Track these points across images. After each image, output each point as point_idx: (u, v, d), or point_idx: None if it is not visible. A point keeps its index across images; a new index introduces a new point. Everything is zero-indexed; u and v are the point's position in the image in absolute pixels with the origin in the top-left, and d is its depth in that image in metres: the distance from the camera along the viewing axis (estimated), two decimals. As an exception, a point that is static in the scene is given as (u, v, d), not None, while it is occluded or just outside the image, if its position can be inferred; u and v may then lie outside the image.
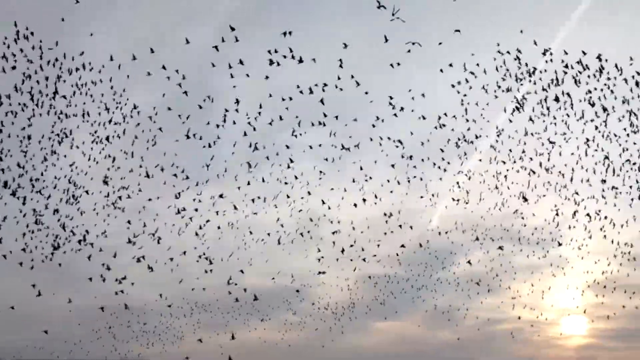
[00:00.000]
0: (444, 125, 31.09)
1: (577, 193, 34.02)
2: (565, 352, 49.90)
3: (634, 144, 31.40)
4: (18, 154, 26.66)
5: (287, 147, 30.93)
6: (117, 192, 30.62)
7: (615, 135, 31.44)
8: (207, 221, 33.20)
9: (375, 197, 34.50)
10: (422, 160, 33.09)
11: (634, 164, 32.17)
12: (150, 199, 31.23)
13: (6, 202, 26.48)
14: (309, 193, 33.82)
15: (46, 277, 29.19)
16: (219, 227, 33.36)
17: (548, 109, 31.20)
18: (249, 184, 31.57)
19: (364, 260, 35.74)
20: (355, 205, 34.63)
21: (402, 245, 35.51)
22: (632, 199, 33.40)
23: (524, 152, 33.19)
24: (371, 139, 31.65)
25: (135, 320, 36.68)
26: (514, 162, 33.14)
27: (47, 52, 24.89)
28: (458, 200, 35.13)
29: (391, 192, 34.41)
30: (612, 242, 34.91)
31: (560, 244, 36.20)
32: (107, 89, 26.98)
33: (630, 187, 31.92)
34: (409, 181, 33.91)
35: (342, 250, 36.29)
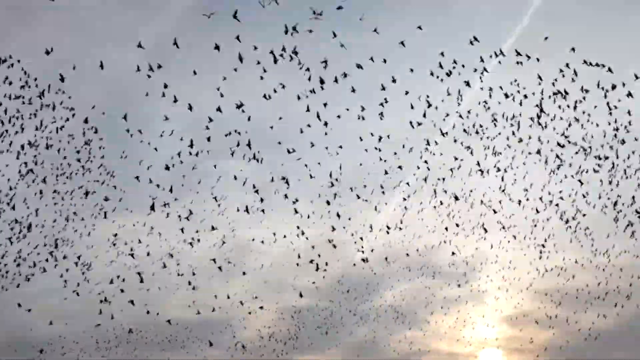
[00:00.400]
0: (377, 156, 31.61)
1: (498, 226, 35.53)
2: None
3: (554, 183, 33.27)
4: None
5: (212, 176, 30.66)
6: (31, 219, 29.25)
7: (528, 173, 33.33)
8: (130, 250, 32.21)
9: (300, 229, 34.51)
10: (349, 192, 33.61)
11: (551, 201, 34.02)
12: (64, 227, 30.03)
13: None
14: (233, 222, 33.52)
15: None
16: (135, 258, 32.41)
17: (469, 147, 32.62)
18: (168, 216, 30.86)
19: (287, 291, 35.60)
20: (283, 236, 34.61)
21: (324, 277, 35.68)
22: (546, 233, 35.29)
23: (444, 186, 34.53)
24: (299, 170, 31.92)
25: (37, 355, 34.62)
26: (435, 196, 34.33)
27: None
28: (384, 232, 35.82)
29: (320, 222, 34.66)
30: (529, 276, 36.69)
31: (476, 278, 37.59)
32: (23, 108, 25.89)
33: (543, 221, 33.73)
34: (337, 215, 34.30)
35: (266, 282, 36.04)
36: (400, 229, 35.77)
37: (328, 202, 32.60)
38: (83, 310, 34.04)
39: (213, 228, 33.27)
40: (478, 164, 32.49)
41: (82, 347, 36.66)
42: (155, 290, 34.99)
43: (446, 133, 31.43)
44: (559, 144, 31.15)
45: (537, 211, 34.03)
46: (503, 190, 33.14)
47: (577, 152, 31.10)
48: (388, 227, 35.49)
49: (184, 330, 38.50)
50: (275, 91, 25.31)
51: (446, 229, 34.99)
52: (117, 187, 29.62)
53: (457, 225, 34.68)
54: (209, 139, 26.88)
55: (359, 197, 33.49)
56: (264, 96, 24.60)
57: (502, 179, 33.25)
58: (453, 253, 36.05)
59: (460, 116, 31.45)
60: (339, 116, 28.18)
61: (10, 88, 24.40)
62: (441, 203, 34.11)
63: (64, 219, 29.90)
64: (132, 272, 33.11)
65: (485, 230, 34.68)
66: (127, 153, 28.53)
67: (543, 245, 35.09)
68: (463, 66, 27.72)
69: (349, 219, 34.07)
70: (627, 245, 33.73)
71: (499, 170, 33.13)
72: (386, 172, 33.08)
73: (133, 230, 32.27)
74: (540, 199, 33.97)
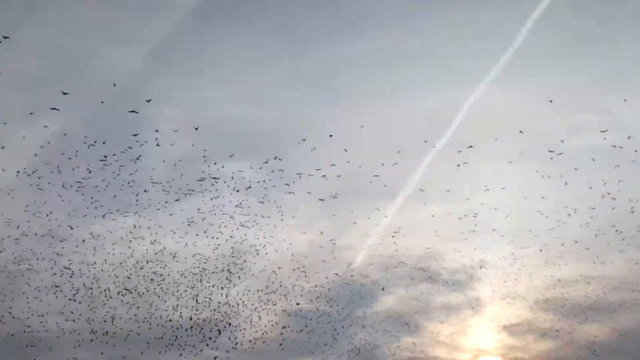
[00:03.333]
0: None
1: (494, 237, 35.42)
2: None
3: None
4: None
5: (213, 177, 30.79)
6: (34, 217, 29.51)
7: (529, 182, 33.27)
8: (128, 248, 32.45)
9: (302, 231, 34.65)
10: (349, 197, 33.71)
11: (546, 216, 33.89)
12: (69, 226, 30.29)
13: None
14: (234, 224, 33.62)
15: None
16: (138, 258, 32.63)
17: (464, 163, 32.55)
18: (170, 215, 31.10)
19: (286, 295, 35.61)
20: (284, 239, 34.68)
21: (326, 278, 35.70)
22: (544, 245, 35.14)
23: (447, 194, 34.48)
24: (300, 174, 31.99)
25: (43, 352, 34.80)
26: (437, 205, 34.32)
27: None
28: (383, 239, 35.83)
29: (319, 227, 34.76)
30: (527, 286, 36.54)
31: (475, 286, 37.46)
32: (23, 106, 26.16)
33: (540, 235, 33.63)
34: (335, 217, 34.31)
35: (267, 284, 36.10)
36: (400, 235, 35.78)
37: (329, 207, 32.75)
38: (83, 307, 34.27)
39: (214, 230, 33.46)
40: (480, 173, 32.60)
41: (81, 344, 36.83)
42: (157, 290, 35.14)
43: (448, 140, 31.47)
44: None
45: (540, 222, 34.02)
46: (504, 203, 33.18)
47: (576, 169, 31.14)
48: (388, 233, 35.50)
49: (184, 331, 38.53)
50: (277, 94, 25.49)
51: (446, 236, 34.98)
52: (119, 186, 29.81)
53: (458, 233, 34.66)
54: (211, 141, 27.11)
55: (359, 203, 33.62)
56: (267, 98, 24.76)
57: (504, 189, 33.26)
58: (451, 261, 36.05)
59: (462, 124, 31.57)
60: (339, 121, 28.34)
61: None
62: (441, 211, 34.15)
63: (64, 215, 30.13)
64: (133, 271, 33.37)
65: (486, 240, 34.66)
66: (131, 153, 28.72)
67: (544, 256, 35.02)
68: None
69: (351, 223, 34.18)
70: (626, 258, 33.59)
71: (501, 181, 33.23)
72: (387, 179, 33.18)
73: (134, 230, 32.44)
74: (541, 210, 33.97)
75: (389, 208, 34.97)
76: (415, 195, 33.70)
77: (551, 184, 31.45)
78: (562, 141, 30.63)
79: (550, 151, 30.28)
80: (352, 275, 36.87)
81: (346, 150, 30.03)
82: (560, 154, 30.35)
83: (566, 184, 31.36)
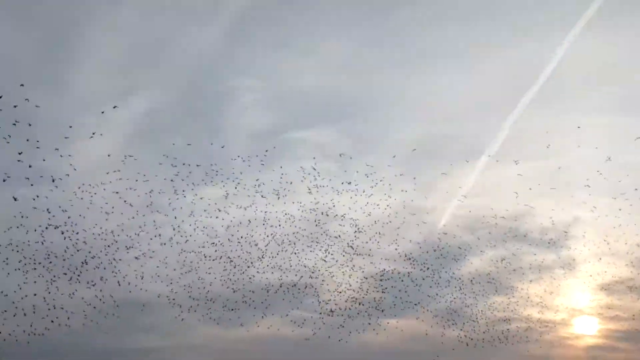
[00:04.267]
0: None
1: (588, 194, 33.81)
2: (576, 352, 49.56)
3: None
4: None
5: (296, 145, 31.28)
6: (127, 189, 31.24)
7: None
8: (216, 217, 33.79)
9: (385, 195, 34.59)
10: (431, 161, 33.17)
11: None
12: (160, 192, 31.83)
13: (16, 197, 27.03)
14: (317, 191, 34.10)
15: (57, 269, 29.98)
16: (228, 224, 33.95)
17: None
18: (257, 181, 31.93)
19: (371, 258, 35.92)
20: (366, 204, 34.82)
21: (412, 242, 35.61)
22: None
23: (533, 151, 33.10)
24: (381, 139, 31.79)
25: (145, 313, 37.32)
26: (522, 164, 33.04)
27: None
28: (469, 199, 35.10)
29: (401, 191, 34.58)
30: (625, 243, 34.74)
31: (569, 245, 36.06)
32: (116, 85, 27.48)
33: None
34: (417, 180, 33.92)
35: (350, 248, 36.55)
36: (487, 195, 34.90)
37: (411, 169, 32.36)
38: (180, 273, 36.23)
39: (298, 196, 34.11)
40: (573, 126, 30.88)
41: (180, 305, 39.06)
42: (245, 256, 36.49)
43: (535, 96, 30.04)
44: None
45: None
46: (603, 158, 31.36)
47: None
48: (474, 194, 34.75)
49: (273, 293, 39.85)
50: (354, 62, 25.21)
51: (536, 194, 33.72)
52: (208, 158, 30.94)
53: (549, 190, 33.31)
54: (293, 110, 27.43)
55: (443, 164, 33.00)
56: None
57: (598, 143, 31.51)
58: (542, 219, 34.80)
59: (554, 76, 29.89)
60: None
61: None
62: (531, 169, 32.84)
63: (159, 188, 31.67)
64: (224, 238, 34.79)
65: (579, 197, 33.15)
66: (214, 126, 29.64)
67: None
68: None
69: (434, 185, 33.70)
70: None
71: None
72: (473, 138, 32.26)
73: (221, 200, 33.69)
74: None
75: (474, 168, 34.13)
76: (502, 153, 32.64)
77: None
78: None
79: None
80: (438, 237, 36.58)
81: (430, 112, 29.42)
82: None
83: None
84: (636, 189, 32.50)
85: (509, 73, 28.56)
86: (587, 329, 46.34)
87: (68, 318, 31.73)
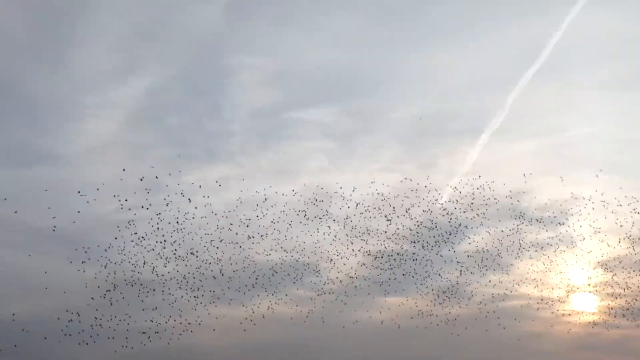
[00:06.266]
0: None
1: (587, 171, 33.96)
2: (574, 329, 50.26)
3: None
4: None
5: (297, 124, 31.19)
6: (127, 168, 31.16)
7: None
8: (217, 197, 33.82)
9: (385, 174, 34.66)
10: (432, 139, 33.19)
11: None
12: (160, 172, 31.78)
13: (17, 176, 26.94)
14: (319, 170, 34.13)
15: (59, 249, 30.03)
16: (229, 203, 33.94)
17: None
18: (258, 160, 31.88)
19: (371, 236, 36.05)
20: (367, 181, 34.88)
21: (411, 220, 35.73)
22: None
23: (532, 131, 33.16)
24: (383, 117, 31.73)
25: (146, 292, 37.50)
26: (523, 141, 33.11)
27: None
28: (469, 177, 35.21)
29: (402, 169, 34.64)
30: (623, 220, 35.00)
31: (568, 222, 36.30)
32: (116, 64, 27.28)
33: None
34: (418, 158, 34.01)
35: (352, 226, 36.68)
36: (487, 172, 34.98)
37: (412, 148, 32.42)
38: (180, 253, 36.33)
39: (300, 174, 34.16)
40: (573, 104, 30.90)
41: (180, 286, 39.26)
42: (246, 236, 36.57)
43: (536, 72, 29.95)
44: None
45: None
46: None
47: None
48: (475, 171, 34.86)
49: (274, 272, 40.04)
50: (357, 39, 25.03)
51: (535, 172, 33.84)
52: (207, 137, 30.89)
53: (548, 167, 33.42)
54: (294, 87, 27.31)
55: (443, 142, 33.04)
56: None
57: (598, 119, 31.55)
58: (541, 197, 34.93)
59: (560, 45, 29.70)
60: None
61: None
62: (530, 146, 32.96)
63: (159, 167, 31.62)
64: (223, 218, 34.82)
65: (578, 174, 33.29)
66: (215, 105, 29.51)
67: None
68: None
69: (435, 163, 33.77)
70: None
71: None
72: (473, 115, 32.25)
73: (222, 179, 33.71)
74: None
75: (474, 146, 34.19)
76: (503, 131, 32.69)
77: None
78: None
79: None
80: (438, 215, 36.75)
81: (431, 89, 29.33)
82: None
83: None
84: (638, 166, 32.71)
85: (511, 49, 28.47)
86: (585, 305, 46.93)
87: (69, 298, 31.88)
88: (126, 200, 30.87)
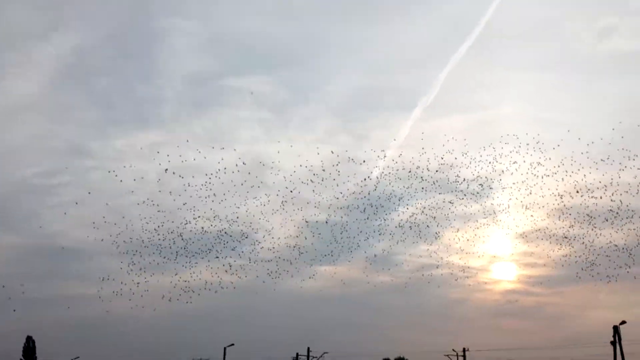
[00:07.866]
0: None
1: (513, 147, 35.44)
2: (493, 296, 53.13)
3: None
4: None
5: (232, 92, 30.74)
6: (52, 132, 29.96)
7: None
8: (148, 164, 33.14)
9: (320, 145, 34.91)
10: (366, 112, 33.57)
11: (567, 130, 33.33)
12: (87, 137, 30.78)
13: None
14: (252, 139, 33.94)
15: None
16: (164, 171, 33.35)
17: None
18: (191, 128, 31.35)
19: (304, 207, 36.43)
20: (300, 153, 35.01)
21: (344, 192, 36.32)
22: (563, 154, 35.16)
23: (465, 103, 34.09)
24: (318, 88, 31.76)
25: (74, 260, 36.66)
26: (452, 116, 34.06)
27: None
28: (400, 151, 35.97)
29: (335, 141, 34.95)
30: (543, 194, 36.83)
31: (492, 195, 37.91)
32: (40, 20, 25.84)
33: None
34: (351, 132, 34.36)
35: (286, 196, 36.93)
36: (418, 147, 35.81)
37: (346, 121, 32.66)
38: (109, 220, 35.55)
39: (233, 143, 33.82)
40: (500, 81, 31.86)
41: (107, 254, 38.53)
42: (179, 204, 36.18)
43: (468, 50, 30.61)
44: None
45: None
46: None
47: None
48: (406, 145, 35.64)
49: (207, 241, 39.90)
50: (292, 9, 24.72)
51: (464, 147, 34.94)
52: (139, 101, 29.96)
53: (476, 143, 34.53)
54: (228, 55, 26.76)
55: (377, 116, 33.48)
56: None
57: (525, 98, 32.76)
58: (468, 171, 36.20)
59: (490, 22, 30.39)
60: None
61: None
62: (460, 122, 33.91)
63: (87, 131, 30.57)
64: (153, 185, 34.22)
65: (504, 150, 34.62)
66: (148, 68, 28.54)
67: (564, 166, 35.07)
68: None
69: (369, 136, 34.24)
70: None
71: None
72: (405, 91, 32.77)
73: (152, 145, 33.01)
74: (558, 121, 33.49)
75: (407, 120, 34.89)
76: (435, 106, 33.46)
77: (575, 92, 30.84)
78: (589, 48, 29.68)
79: (575, 58, 29.50)
80: (370, 187, 37.50)
81: (368, 63, 29.53)
82: (586, 61, 29.58)
83: (590, 92, 30.78)
84: (557, 144, 34.39)
85: (445, 27, 29.04)
86: (505, 274, 49.43)
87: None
88: (50, 165, 29.76)
